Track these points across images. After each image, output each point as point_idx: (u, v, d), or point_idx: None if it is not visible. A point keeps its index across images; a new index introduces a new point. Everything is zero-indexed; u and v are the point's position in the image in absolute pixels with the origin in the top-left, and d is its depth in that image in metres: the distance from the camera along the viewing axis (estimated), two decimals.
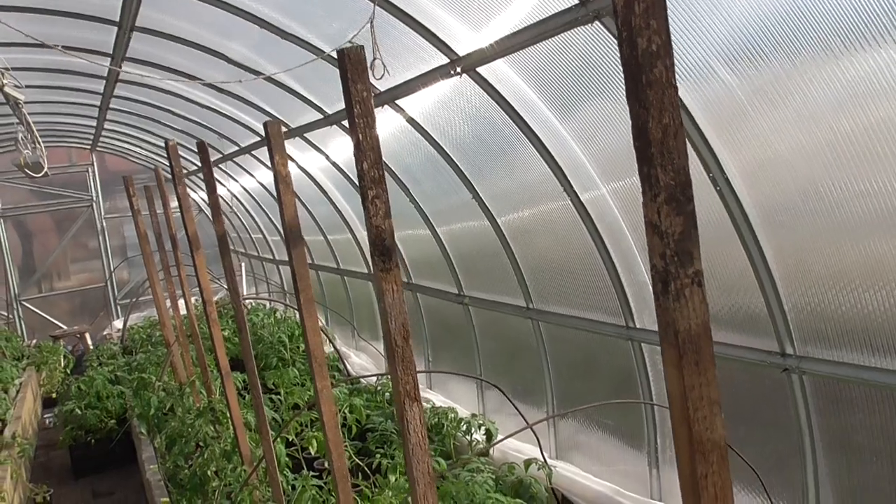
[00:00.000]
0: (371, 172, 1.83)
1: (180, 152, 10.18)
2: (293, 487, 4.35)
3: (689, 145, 3.49)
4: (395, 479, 4.88)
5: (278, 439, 4.75)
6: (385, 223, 1.85)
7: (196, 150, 9.77)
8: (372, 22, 3.84)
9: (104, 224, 14.62)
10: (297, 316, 9.33)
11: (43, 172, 7.96)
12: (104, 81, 7.91)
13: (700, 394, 1.09)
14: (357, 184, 6.25)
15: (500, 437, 5.60)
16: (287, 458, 4.92)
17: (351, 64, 1.78)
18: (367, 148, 1.83)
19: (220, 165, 10.75)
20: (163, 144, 11.12)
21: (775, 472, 3.86)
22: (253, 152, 9.16)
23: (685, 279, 1.08)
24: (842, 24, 2.80)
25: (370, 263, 8.73)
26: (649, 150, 1.07)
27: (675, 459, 4.54)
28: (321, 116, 6.63)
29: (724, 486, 1.12)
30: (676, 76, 2.99)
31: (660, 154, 1.07)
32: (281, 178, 2.88)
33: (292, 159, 8.31)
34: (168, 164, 4.48)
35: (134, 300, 12.53)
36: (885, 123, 2.86)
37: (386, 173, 6.46)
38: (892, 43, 2.66)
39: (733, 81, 3.32)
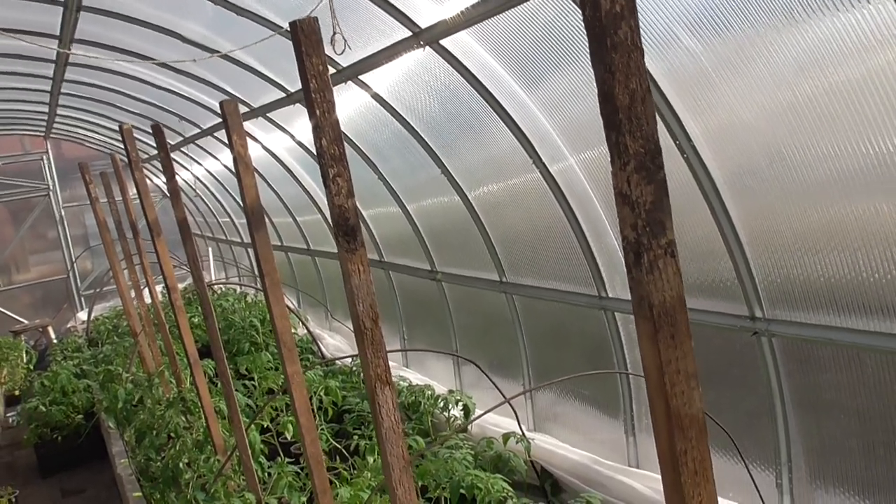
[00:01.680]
0: (331, 150, 1.76)
1: (139, 136, 9.96)
2: (269, 475, 4.30)
3: (660, 116, 3.48)
4: (374, 461, 4.85)
5: (253, 426, 4.68)
6: (348, 202, 1.79)
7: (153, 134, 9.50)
8: None
9: (63, 213, 14.26)
10: None
11: None
12: (54, 65, 7.65)
13: (677, 367, 1.05)
14: None
15: (477, 411, 5.59)
16: (263, 445, 4.86)
17: (304, 36, 1.70)
18: (325, 124, 1.76)
19: (181, 149, 10.53)
20: (119, 128, 10.84)
21: (747, 432, 3.90)
22: (215, 134, 8.97)
23: (658, 250, 1.04)
24: None
25: (334, 237, 8.67)
26: (617, 116, 1.02)
27: (650, 428, 4.58)
28: (284, 95, 6.50)
29: (703, 460, 1.09)
30: (647, 44, 2.94)
31: (628, 120, 1.02)
32: (240, 159, 2.79)
33: (256, 140, 8.15)
34: (124, 149, 4.35)
35: (98, 290, 12.28)
36: (845, 86, 2.85)
37: (353, 151, 6.39)
38: (850, 7, 2.65)
39: (696, 48, 3.29)
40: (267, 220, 6.57)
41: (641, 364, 1.10)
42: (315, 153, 5.96)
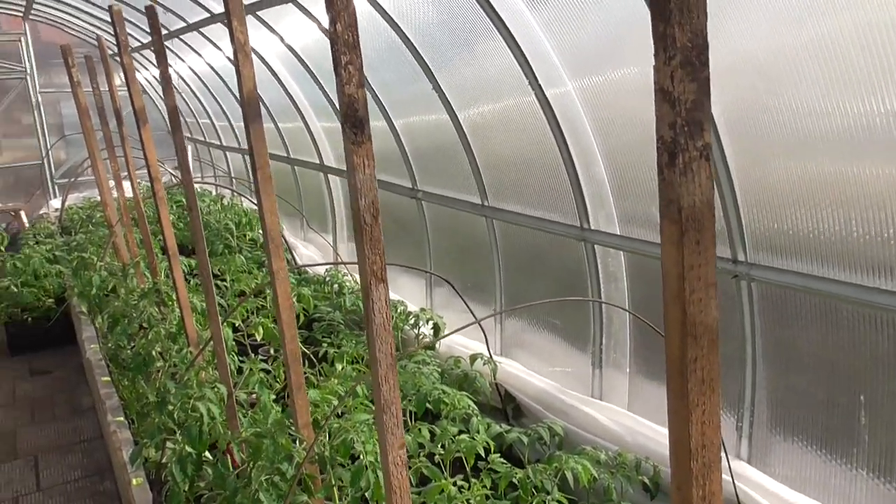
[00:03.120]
0: (345, 35, 1.70)
1: (123, 18, 9.59)
2: (240, 371, 4.33)
3: None
4: (342, 368, 4.91)
5: (224, 324, 4.69)
6: (358, 92, 1.74)
7: (138, 24, 9.21)
8: None
9: (39, 98, 13.82)
10: (244, 203, 9.10)
11: None
12: None
13: (698, 274, 1.05)
14: (311, 69, 5.99)
15: (447, 331, 5.66)
16: (233, 342, 4.88)
17: None
18: (341, 7, 1.69)
19: (165, 43, 10.18)
20: (103, 16, 10.44)
21: None
22: (201, 29, 8.66)
23: (693, 152, 1.02)
24: None
25: (321, 154, 8.52)
26: (668, 4, 0.98)
27: (618, 361, 4.67)
28: None
29: (711, 370, 1.09)
30: None
31: (678, 10, 0.98)
32: (240, 48, 2.70)
33: None
34: (113, 32, 4.18)
35: (73, 180, 12.03)
36: (863, 28, 2.81)
37: None
38: None
39: None
40: None
41: (662, 268, 1.09)
42: (304, 58, 5.79)
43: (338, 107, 1.78)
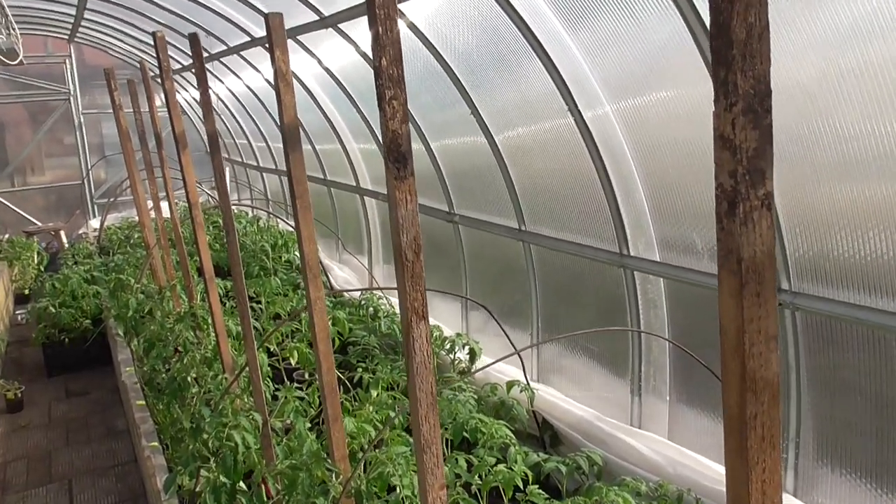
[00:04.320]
0: (390, 70, 1.68)
1: (166, 45, 9.78)
2: (275, 398, 4.32)
3: (707, 68, 3.36)
4: (377, 395, 4.87)
5: (260, 349, 4.70)
6: (402, 127, 1.72)
7: (181, 48, 9.39)
8: None
9: (82, 119, 14.14)
10: (280, 225, 9.21)
11: (18, 60, 7.60)
12: None
13: (758, 327, 1.00)
14: (349, 92, 6.02)
15: (483, 357, 5.61)
16: (268, 368, 4.89)
17: None
18: (387, 42, 1.67)
19: (206, 65, 10.36)
20: (145, 39, 10.66)
21: None
22: (242, 53, 8.80)
23: (755, 201, 0.98)
24: None
25: (357, 176, 8.56)
26: (730, 51, 0.95)
27: (657, 389, 4.57)
28: (317, 18, 6.33)
29: (772, 426, 1.04)
30: None
31: (741, 57, 0.95)
32: (281, 76, 2.71)
33: None
34: (156, 57, 4.24)
35: (112, 200, 12.26)
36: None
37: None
38: None
39: None
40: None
41: (720, 321, 1.04)
42: (343, 81, 5.83)
43: (376, 131, 1.76)
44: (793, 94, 3.24)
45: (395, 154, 1.73)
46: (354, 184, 8.66)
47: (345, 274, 8.93)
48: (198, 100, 10.33)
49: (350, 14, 5.89)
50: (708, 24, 3.12)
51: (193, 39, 3.41)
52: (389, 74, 1.68)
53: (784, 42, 3.13)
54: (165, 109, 4.47)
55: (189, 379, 4.43)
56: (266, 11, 6.78)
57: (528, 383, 4.93)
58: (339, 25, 6.18)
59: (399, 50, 1.69)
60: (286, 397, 3.95)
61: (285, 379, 5.23)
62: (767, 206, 0.98)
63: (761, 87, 0.96)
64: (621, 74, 4.17)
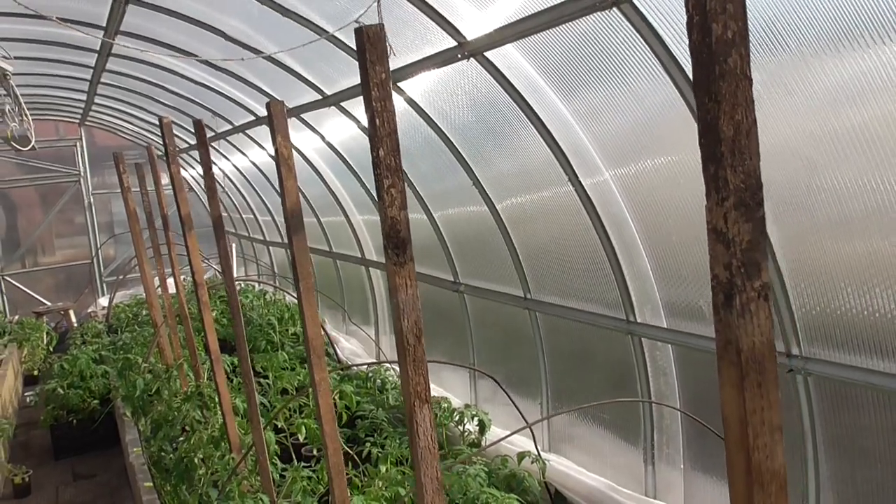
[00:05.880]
0: (387, 160, 1.72)
1: (172, 130, 10.00)
2: (282, 476, 4.26)
3: None
4: (386, 470, 4.79)
5: (267, 426, 4.65)
6: (400, 214, 1.74)
7: (188, 128, 9.60)
8: (379, 0, 3.70)
9: (91, 199, 14.35)
10: (287, 298, 9.16)
11: (30, 146, 7.78)
12: (96, 55, 7.70)
13: (762, 418, 0.99)
14: (351, 164, 6.10)
15: (493, 427, 5.54)
16: (276, 446, 4.82)
17: (370, 43, 1.66)
18: (384, 134, 1.71)
19: (212, 144, 10.58)
20: (153, 121, 10.91)
21: None
22: (247, 131, 8.99)
23: (751, 293, 0.98)
24: (859, 13, 2.72)
25: (362, 247, 8.61)
26: (718, 148, 0.97)
27: (670, 457, 4.49)
28: (320, 97, 6.48)
29: None
30: (685, 57, 2.86)
31: (730, 153, 0.97)
32: (283, 161, 2.76)
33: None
34: (161, 140, 4.34)
35: (120, 278, 12.33)
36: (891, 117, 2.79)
37: None
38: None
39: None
40: None
41: (722, 412, 1.03)
42: (345, 156, 5.93)
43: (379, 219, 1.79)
44: (790, 155, 3.28)
45: (395, 240, 1.75)
46: (359, 255, 8.71)
47: (351, 345, 8.89)
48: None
49: (350, 93, 6.03)
50: None
51: (198, 126, 3.49)
52: (387, 164, 1.71)
53: (780, 101, 3.18)
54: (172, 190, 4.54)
55: (196, 460, 4.37)
56: (270, 92, 6.96)
57: (539, 454, 4.84)
58: (342, 103, 6.32)
59: (396, 141, 1.73)
60: (294, 477, 3.88)
61: (293, 455, 5.15)
62: (765, 296, 0.99)
63: (752, 181, 0.97)
64: (618, 141, 4.23)
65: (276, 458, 4.68)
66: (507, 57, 4.34)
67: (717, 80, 0.95)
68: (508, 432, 4.43)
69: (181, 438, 5.00)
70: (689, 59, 2.93)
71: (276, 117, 2.72)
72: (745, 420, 0.99)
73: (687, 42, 2.93)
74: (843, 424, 3.48)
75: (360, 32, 1.66)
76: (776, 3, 2.99)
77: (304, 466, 4.59)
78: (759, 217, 0.98)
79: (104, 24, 6.31)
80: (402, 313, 1.77)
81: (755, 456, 0.99)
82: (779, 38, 3.03)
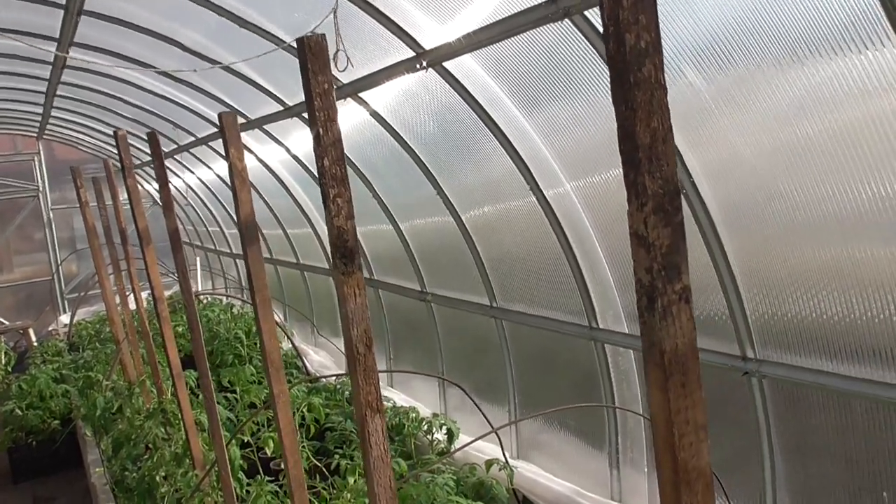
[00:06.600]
0: (332, 170, 1.73)
1: (133, 142, 9.89)
2: (248, 492, 4.22)
3: None
4: (355, 482, 4.77)
5: (233, 441, 4.60)
6: (347, 224, 1.75)
7: (147, 141, 9.45)
8: (335, 12, 3.71)
9: (51, 215, 14.11)
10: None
11: None
12: (51, 67, 7.59)
13: (686, 418, 1.02)
14: (316, 175, 6.08)
15: (462, 436, 5.53)
16: (242, 461, 4.78)
17: (312, 54, 1.67)
18: (328, 144, 1.72)
19: (175, 156, 10.48)
20: (113, 133, 10.78)
21: (734, 473, 3.86)
22: (210, 143, 8.92)
23: (672, 295, 1.01)
24: (806, 29, 2.79)
25: (329, 257, 8.57)
26: (636, 155, 0.99)
27: (636, 461, 4.53)
28: (281, 108, 6.47)
29: None
30: None
31: (647, 160, 0.99)
32: (237, 173, 2.75)
33: (251, 151, 8.10)
34: (118, 156, 4.30)
35: (82, 294, 12.13)
36: (845, 128, 2.86)
37: (349, 167, 6.41)
38: (849, 51, 2.66)
39: (699, 82, 3.28)
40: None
41: (649, 412, 1.06)
42: (310, 167, 5.92)
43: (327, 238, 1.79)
44: (742, 167, 3.35)
45: (342, 250, 1.76)
46: (327, 266, 8.67)
47: (320, 357, 8.84)
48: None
49: None
50: None
51: (152, 139, 3.47)
52: (333, 174, 1.72)
53: (733, 115, 3.25)
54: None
55: (158, 478, 4.31)
56: (232, 104, 6.93)
57: (506, 461, 4.85)
58: (303, 114, 6.31)
59: (342, 151, 1.74)
60: (258, 492, 3.85)
61: (260, 469, 5.10)
62: (686, 299, 1.01)
63: (669, 186, 1.00)
64: (578, 153, 4.29)
65: (241, 472, 4.64)
66: (467, 69, 4.37)
67: (632, 88, 0.98)
68: (479, 445, 4.44)
69: (145, 457, 4.92)
70: None
71: (228, 129, 2.71)
72: (671, 420, 1.01)
73: None
74: (796, 424, 3.54)
75: (301, 43, 1.67)
76: (724, 22, 3.07)
77: (270, 481, 4.56)
78: (677, 222, 1.00)
79: (57, 37, 6.23)
80: (351, 322, 1.77)
81: (681, 455, 1.02)
82: (728, 55, 3.10)
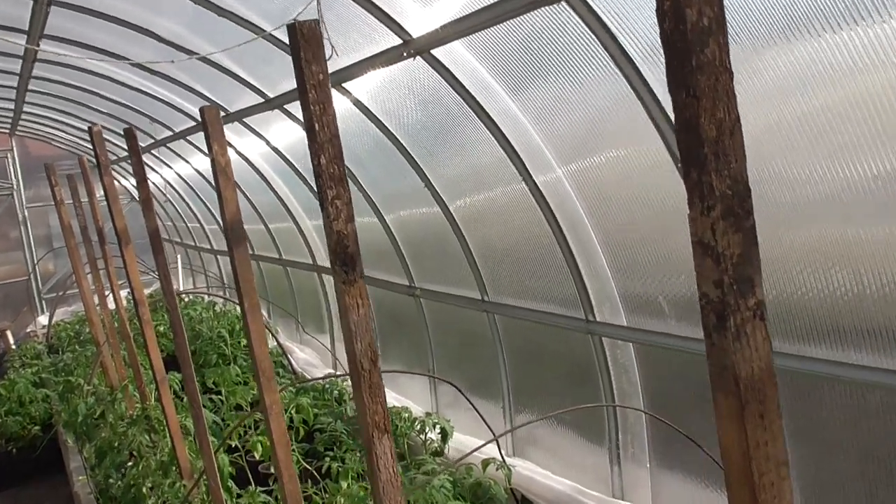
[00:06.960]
0: (330, 168, 1.57)
1: (109, 137, 9.62)
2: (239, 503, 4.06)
3: (655, 126, 3.33)
4: (348, 486, 4.63)
5: (221, 448, 4.44)
6: (347, 227, 1.59)
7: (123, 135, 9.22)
8: None
9: (26, 213, 13.76)
10: (237, 309, 8.86)
11: None
12: (21, 61, 7.32)
13: (766, 453, 0.88)
14: (298, 169, 5.87)
15: (455, 434, 5.42)
16: (230, 467, 4.61)
17: (305, 41, 1.51)
18: (324, 140, 1.56)
19: (152, 151, 10.21)
20: (88, 129, 10.49)
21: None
22: (188, 138, 8.68)
23: (746, 312, 0.87)
24: (794, 4, 2.69)
25: (313, 253, 8.40)
26: (701, 150, 0.85)
27: (636, 457, 4.42)
28: (262, 100, 6.26)
29: None
30: (641, 54, 2.76)
31: (714, 156, 0.85)
32: (220, 169, 2.58)
33: (231, 145, 7.87)
34: (93, 152, 4.10)
35: (61, 294, 11.85)
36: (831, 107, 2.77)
37: None
38: (830, 30, 2.56)
39: None
40: None
41: (720, 445, 0.92)
42: (292, 160, 5.69)
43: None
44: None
45: (343, 256, 1.60)
46: (311, 262, 8.49)
47: (306, 355, 8.67)
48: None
49: (293, 96, 5.83)
50: (653, 86, 3.13)
51: (129, 134, 3.28)
52: (331, 173, 1.56)
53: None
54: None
55: (144, 489, 4.14)
56: (210, 96, 6.71)
57: (503, 459, 4.73)
58: (285, 106, 6.12)
59: (339, 146, 1.58)
60: (250, 502, 3.70)
61: (249, 475, 4.95)
62: (761, 316, 0.87)
63: (739, 186, 0.86)
64: (570, 138, 4.14)
65: (231, 479, 4.48)
66: (454, 55, 4.21)
67: (693, 72, 0.83)
68: (473, 442, 4.32)
69: (129, 464, 4.75)
70: (640, 54, 2.84)
71: (210, 124, 2.54)
72: (748, 455, 0.87)
73: (638, 36, 2.84)
74: (807, 415, 3.45)
75: (293, 29, 1.50)
76: None
77: (262, 491, 4.41)
78: (749, 226, 0.86)
79: (27, 29, 5.98)
80: (354, 336, 1.62)
81: (762, 496, 0.88)
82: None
